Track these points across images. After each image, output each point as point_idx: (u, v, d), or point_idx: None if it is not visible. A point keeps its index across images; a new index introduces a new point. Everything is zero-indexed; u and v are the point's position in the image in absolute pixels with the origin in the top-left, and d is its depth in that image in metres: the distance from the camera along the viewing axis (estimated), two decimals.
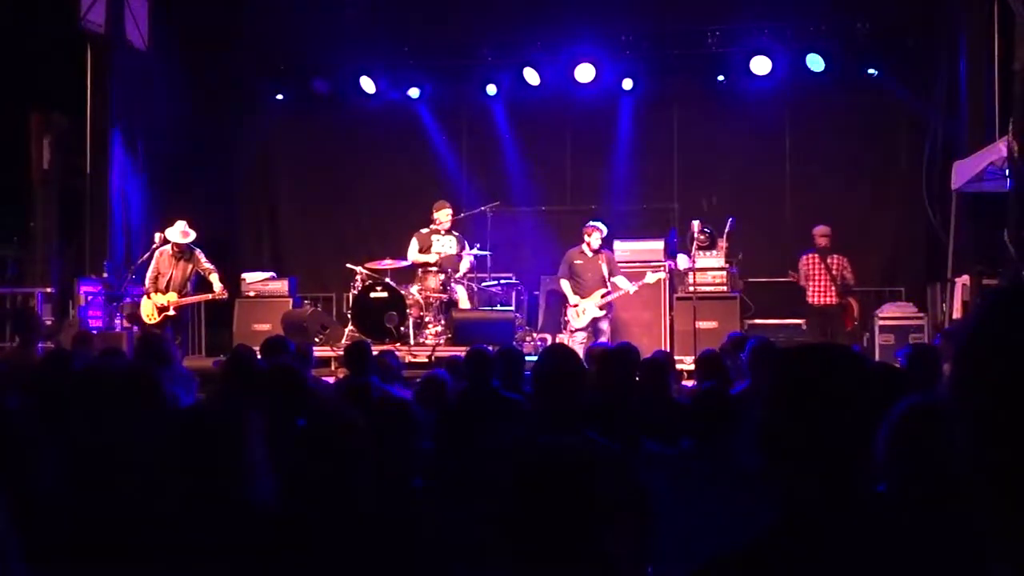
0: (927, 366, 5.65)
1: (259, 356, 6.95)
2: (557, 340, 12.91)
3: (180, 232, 11.84)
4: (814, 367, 1.97)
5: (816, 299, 12.73)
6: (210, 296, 12.00)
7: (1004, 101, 11.31)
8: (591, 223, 12.46)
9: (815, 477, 1.86)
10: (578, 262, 12.32)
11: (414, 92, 15.50)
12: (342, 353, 8.99)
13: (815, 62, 14.00)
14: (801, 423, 1.89)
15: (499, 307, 13.17)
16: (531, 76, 14.84)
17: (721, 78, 14.62)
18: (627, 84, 14.87)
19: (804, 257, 12.82)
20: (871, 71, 14.07)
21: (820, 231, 12.80)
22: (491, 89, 15.29)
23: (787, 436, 1.90)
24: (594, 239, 12.29)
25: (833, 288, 12.65)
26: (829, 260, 12.69)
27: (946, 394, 1.26)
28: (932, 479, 2.54)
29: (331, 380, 9.78)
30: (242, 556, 2.83)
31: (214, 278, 11.92)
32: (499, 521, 2.47)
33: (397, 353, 9.30)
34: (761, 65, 14.16)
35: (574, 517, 2.35)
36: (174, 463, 3.00)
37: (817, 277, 12.70)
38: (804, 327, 12.85)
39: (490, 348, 6.94)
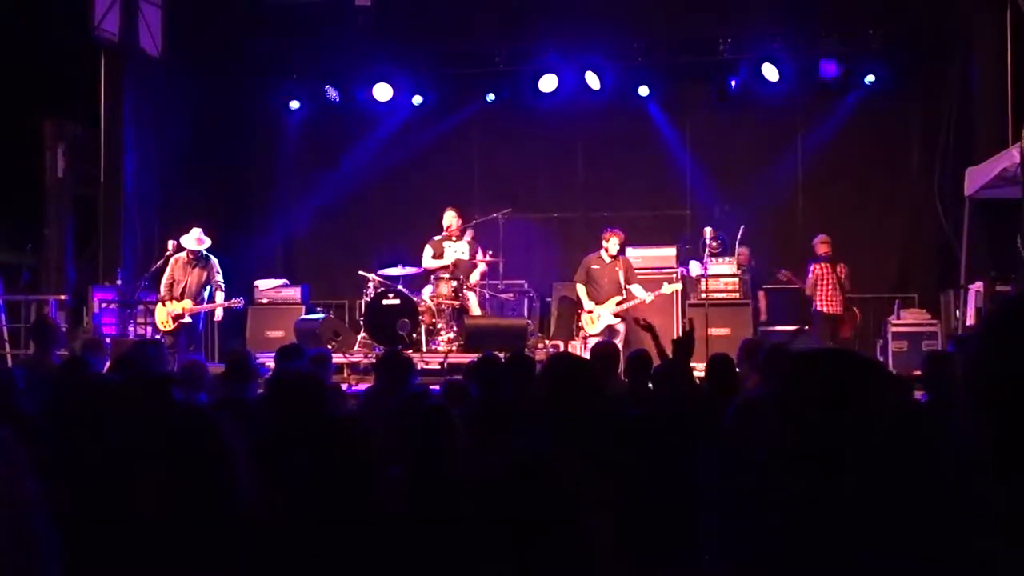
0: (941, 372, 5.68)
1: (275, 362, 6.95)
2: (569, 347, 12.92)
3: (195, 239, 11.87)
4: (829, 373, 1.97)
5: (824, 307, 12.75)
6: (226, 304, 11.99)
7: (1016, 107, 11.30)
8: (609, 228, 12.47)
9: (824, 481, 1.87)
10: (595, 267, 12.32)
11: (426, 99, 15.52)
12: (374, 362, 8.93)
13: (826, 68, 13.99)
14: (811, 429, 1.89)
15: (511, 314, 13.19)
16: (543, 82, 14.86)
17: (733, 84, 14.60)
18: (639, 91, 14.88)
19: (813, 266, 12.83)
20: (882, 77, 14.04)
21: (822, 239, 12.88)
22: (503, 95, 15.33)
23: (798, 441, 1.91)
24: (612, 244, 12.29)
25: (839, 296, 12.70)
26: (839, 269, 12.75)
27: (960, 397, 1.27)
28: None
29: (345, 387, 9.82)
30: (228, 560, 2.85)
31: (219, 296, 11.94)
32: (484, 524, 2.49)
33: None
34: (773, 72, 14.17)
35: (557, 525, 2.36)
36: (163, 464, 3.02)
37: (825, 285, 12.73)
38: (809, 332, 12.80)
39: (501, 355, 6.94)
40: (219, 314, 12.13)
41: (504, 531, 2.46)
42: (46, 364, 7.39)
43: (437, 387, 6.76)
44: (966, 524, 1.61)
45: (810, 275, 12.82)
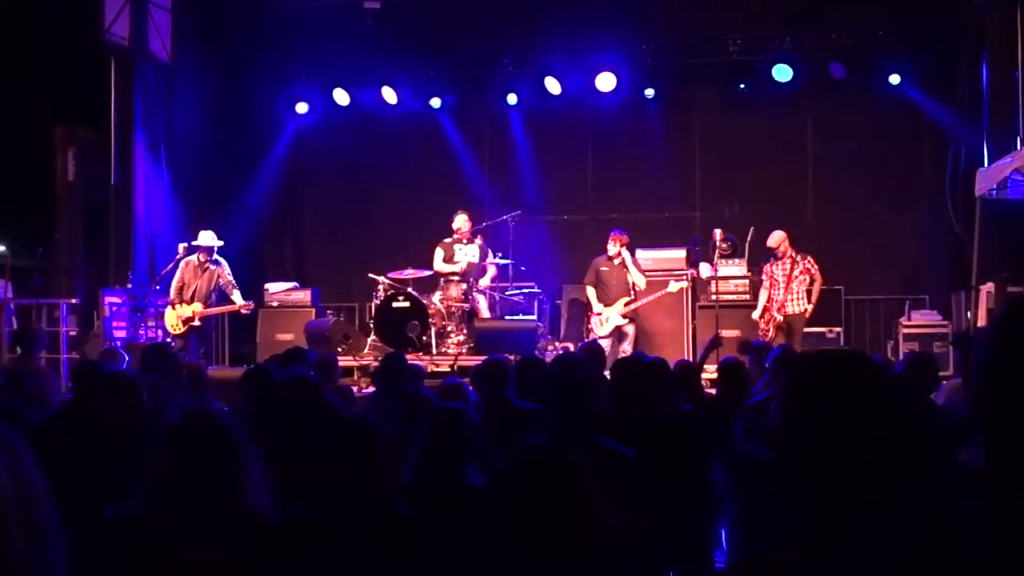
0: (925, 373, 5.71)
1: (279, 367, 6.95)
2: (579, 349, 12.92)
3: (210, 236, 11.93)
4: (831, 372, 1.97)
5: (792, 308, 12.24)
6: (235, 308, 12.02)
7: None
8: (614, 231, 12.50)
9: (828, 481, 1.86)
10: (604, 269, 12.37)
11: (435, 102, 15.52)
12: (376, 365, 8.93)
13: (836, 69, 13.95)
14: (810, 428, 1.89)
15: (521, 316, 13.18)
16: (552, 85, 14.84)
17: (743, 86, 14.57)
18: (648, 92, 14.85)
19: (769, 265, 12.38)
20: (892, 78, 13.96)
21: (780, 237, 12.25)
22: (512, 98, 15.30)
23: (798, 441, 1.90)
24: (610, 247, 12.33)
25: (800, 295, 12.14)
26: (804, 265, 12.17)
27: (968, 403, 1.27)
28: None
29: (355, 389, 9.82)
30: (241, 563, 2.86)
31: (236, 295, 11.96)
32: (498, 524, 2.49)
33: (419, 363, 9.30)
34: (783, 73, 14.12)
35: (567, 517, 2.36)
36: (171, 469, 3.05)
37: (785, 285, 12.18)
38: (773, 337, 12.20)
39: (511, 358, 6.94)
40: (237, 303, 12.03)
41: (515, 528, 2.45)
42: (29, 367, 7.49)
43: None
44: (966, 522, 1.61)
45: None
